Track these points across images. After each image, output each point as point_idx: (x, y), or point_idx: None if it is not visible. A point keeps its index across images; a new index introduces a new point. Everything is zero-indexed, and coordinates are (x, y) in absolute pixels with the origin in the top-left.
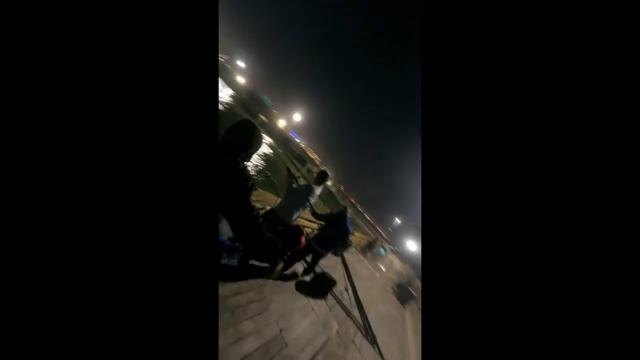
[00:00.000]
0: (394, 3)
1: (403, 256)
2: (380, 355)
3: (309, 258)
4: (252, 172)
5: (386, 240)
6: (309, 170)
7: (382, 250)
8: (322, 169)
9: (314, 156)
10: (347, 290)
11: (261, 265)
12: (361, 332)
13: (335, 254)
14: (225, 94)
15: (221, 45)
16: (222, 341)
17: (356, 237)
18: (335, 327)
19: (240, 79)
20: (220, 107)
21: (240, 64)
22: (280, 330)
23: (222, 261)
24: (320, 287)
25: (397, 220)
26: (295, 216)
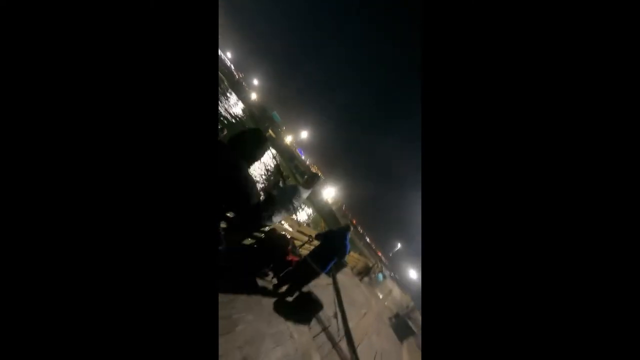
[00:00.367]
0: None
1: (403, 285)
2: None
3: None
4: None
5: (386, 266)
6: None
7: (380, 276)
8: (314, 171)
9: (318, 172)
10: (336, 316)
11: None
12: None
13: (327, 273)
14: (238, 108)
15: (237, 62)
16: None
17: (353, 258)
18: None
19: (254, 95)
20: (232, 120)
21: (255, 81)
22: None
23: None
24: (303, 309)
25: (399, 246)
26: (274, 219)
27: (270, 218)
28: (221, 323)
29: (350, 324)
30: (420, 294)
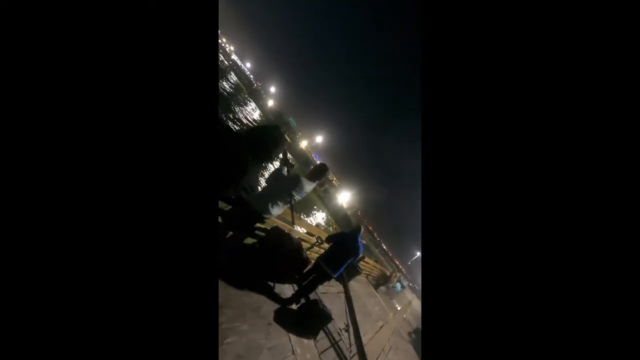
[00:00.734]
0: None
1: None
2: None
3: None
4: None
5: (404, 275)
6: (326, 191)
7: (399, 286)
8: (320, 162)
9: (333, 178)
10: (347, 329)
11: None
12: None
13: (338, 279)
14: (256, 114)
15: (256, 72)
16: None
17: (368, 265)
18: None
19: (270, 102)
20: (250, 125)
21: (272, 89)
22: None
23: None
24: (309, 321)
25: (418, 254)
26: (272, 211)
27: (262, 203)
28: None
29: (364, 339)
30: None
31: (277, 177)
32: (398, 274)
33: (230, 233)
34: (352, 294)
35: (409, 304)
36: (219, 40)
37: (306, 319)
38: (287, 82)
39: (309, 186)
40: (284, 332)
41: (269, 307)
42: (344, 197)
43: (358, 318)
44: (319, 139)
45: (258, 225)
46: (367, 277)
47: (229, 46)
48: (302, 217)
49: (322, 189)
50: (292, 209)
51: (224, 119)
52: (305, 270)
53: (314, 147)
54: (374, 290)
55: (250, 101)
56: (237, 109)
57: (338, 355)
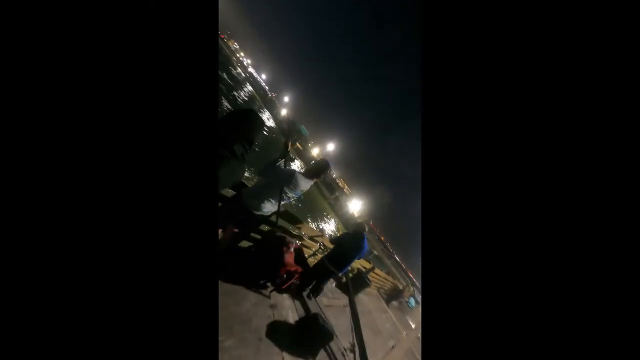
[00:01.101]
0: None
1: None
2: None
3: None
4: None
5: (419, 290)
6: (337, 199)
7: (413, 301)
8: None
9: (344, 186)
10: (352, 349)
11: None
12: None
13: (346, 292)
14: (270, 123)
15: (271, 83)
16: None
17: (379, 277)
18: None
19: (284, 111)
20: (265, 133)
21: (286, 99)
22: None
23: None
24: (307, 338)
25: None
26: (264, 208)
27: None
28: None
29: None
30: None
31: (269, 169)
32: (412, 288)
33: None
34: (360, 308)
35: None
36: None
37: (304, 336)
38: (301, 92)
39: (305, 183)
40: (277, 349)
41: (261, 321)
42: (356, 206)
43: (366, 336)
44: (331, 146)
45: (257, 228)
46: (378, 291)
47: (246, 59)
48: (308, 221)
49: (333, 196)
50: (278, 208)
51: None
52: (309, 270)
53: (325, 155)
54: (385, 305)
55: (264, 110)
56: None
57: None
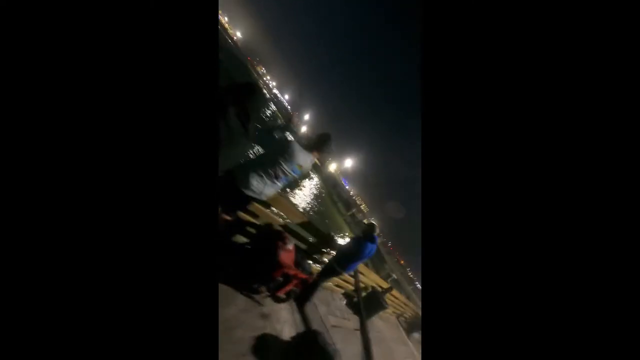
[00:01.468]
0: None
1: None
2: None
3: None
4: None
5: None
6: (353, 215)
7: None
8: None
9: (361, 204)
10: None
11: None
12: None
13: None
14: (291, 138)
15: (293, 102)
16: None
17: (398, 302)
18: None
19: (304, 128)
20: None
21: (306, 117)
22: None
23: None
24: (304, 358)
25: None
26: (253, 185)
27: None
28: None
29: None
30: None
31: (262, 137)
32: None
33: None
34: (374, 334)
35: None
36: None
37: (300, 355)
38: (321, 109)
39: (304, 157)
40: None
41: (248, 331)
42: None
43: None
44: (349, 162)
45: (249, 213)
46: (397, 318)
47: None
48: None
49: (349, 213)
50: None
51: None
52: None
53: (343, 172)
54: (405, 335)
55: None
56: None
57: None
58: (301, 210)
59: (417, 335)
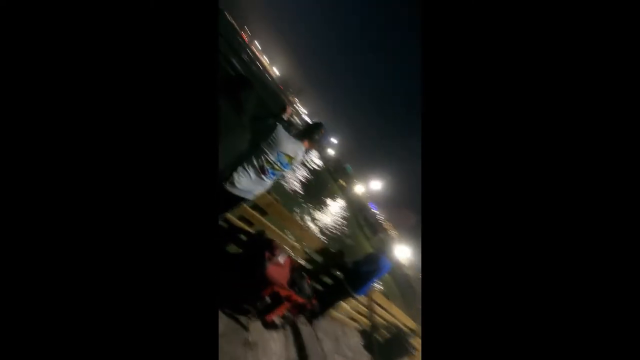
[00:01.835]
0: None
1: None
2: None
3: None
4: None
5: None
6: (381, 240)
7: None
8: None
9: (390, 229)
10: None
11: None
12: None
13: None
14: (317, 162)
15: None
16: None
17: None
18: None
19: (331, 152)
20: (309, 169)
21: (333, 140)
22: None
23: None
24: None
25: None
26: (238, 180)
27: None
28: None
29: None
30: None
31: (253, 127)
32: None
33: None
34: None
35: None
36: (295, 106)
37: None
38: (347, 131)
39: (292, 145)
40: None
41: (231, 348)
42: (403, 253)
43: None
44: (376, 185)
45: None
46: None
47: (302, 108)
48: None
49: (377, 237)
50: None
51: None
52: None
53: (371, 196)
54: None
55: (312, 150)
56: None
57: None
58: (321, 234)
59: None
